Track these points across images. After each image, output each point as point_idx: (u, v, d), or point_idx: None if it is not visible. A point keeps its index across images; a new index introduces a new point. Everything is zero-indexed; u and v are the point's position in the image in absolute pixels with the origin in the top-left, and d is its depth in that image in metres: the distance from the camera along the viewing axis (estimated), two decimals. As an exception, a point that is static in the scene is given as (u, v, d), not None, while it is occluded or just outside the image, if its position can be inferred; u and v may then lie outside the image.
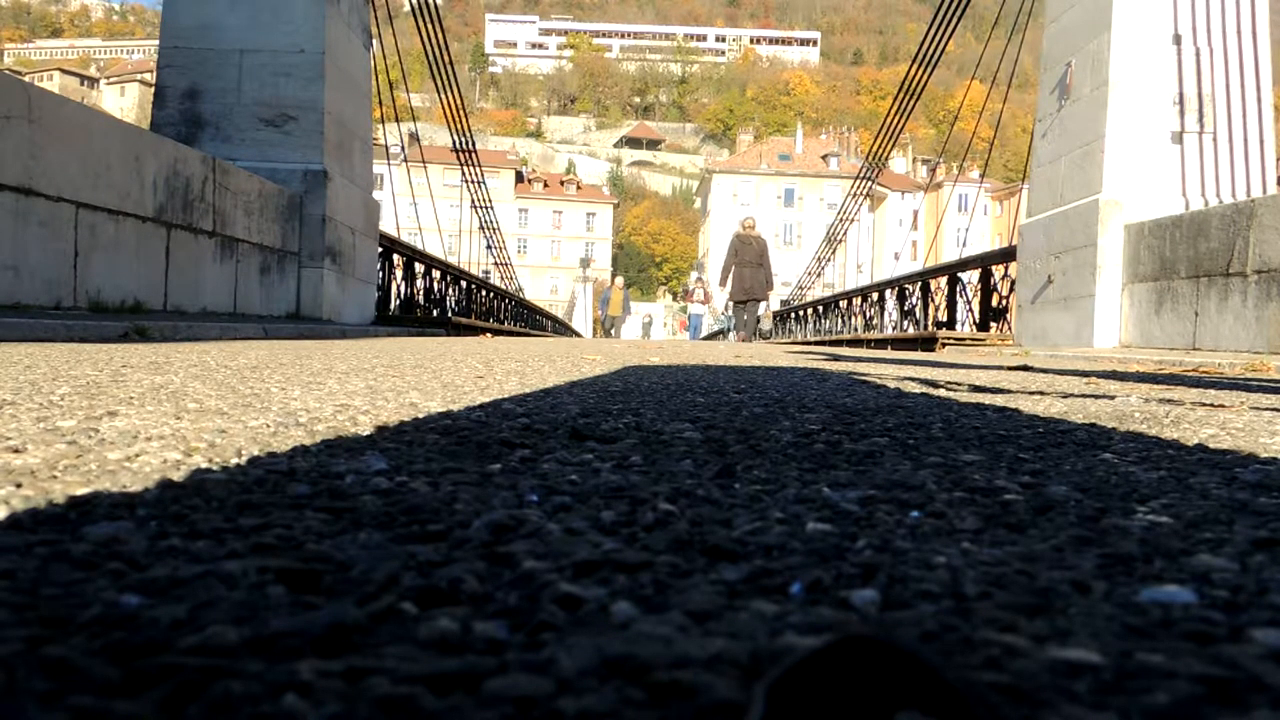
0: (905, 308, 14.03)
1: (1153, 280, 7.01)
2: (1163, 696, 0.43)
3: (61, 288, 4.78)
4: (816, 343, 15.51)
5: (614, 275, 25.92)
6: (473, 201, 18.99)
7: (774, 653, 0.47)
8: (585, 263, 44.35)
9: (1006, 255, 9.97)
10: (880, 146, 17.48)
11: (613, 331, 21.61)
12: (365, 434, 1.27)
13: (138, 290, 5.50)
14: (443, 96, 13.78)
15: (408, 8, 12.23)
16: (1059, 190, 8.26)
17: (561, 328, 30.71)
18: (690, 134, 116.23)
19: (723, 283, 14.45)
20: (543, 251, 75.14)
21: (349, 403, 1.68)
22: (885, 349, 10.60)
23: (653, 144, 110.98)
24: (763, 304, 14.82)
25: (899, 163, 70.75)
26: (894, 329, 14.34)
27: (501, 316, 20.26)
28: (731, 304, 14.69)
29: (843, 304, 19.00)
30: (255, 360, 2.88)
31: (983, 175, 23.27)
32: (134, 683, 0.42)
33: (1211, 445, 1.42)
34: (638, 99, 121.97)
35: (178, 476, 0.92)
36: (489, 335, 10.66)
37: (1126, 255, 7.38)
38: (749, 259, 13.87)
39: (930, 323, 12.62)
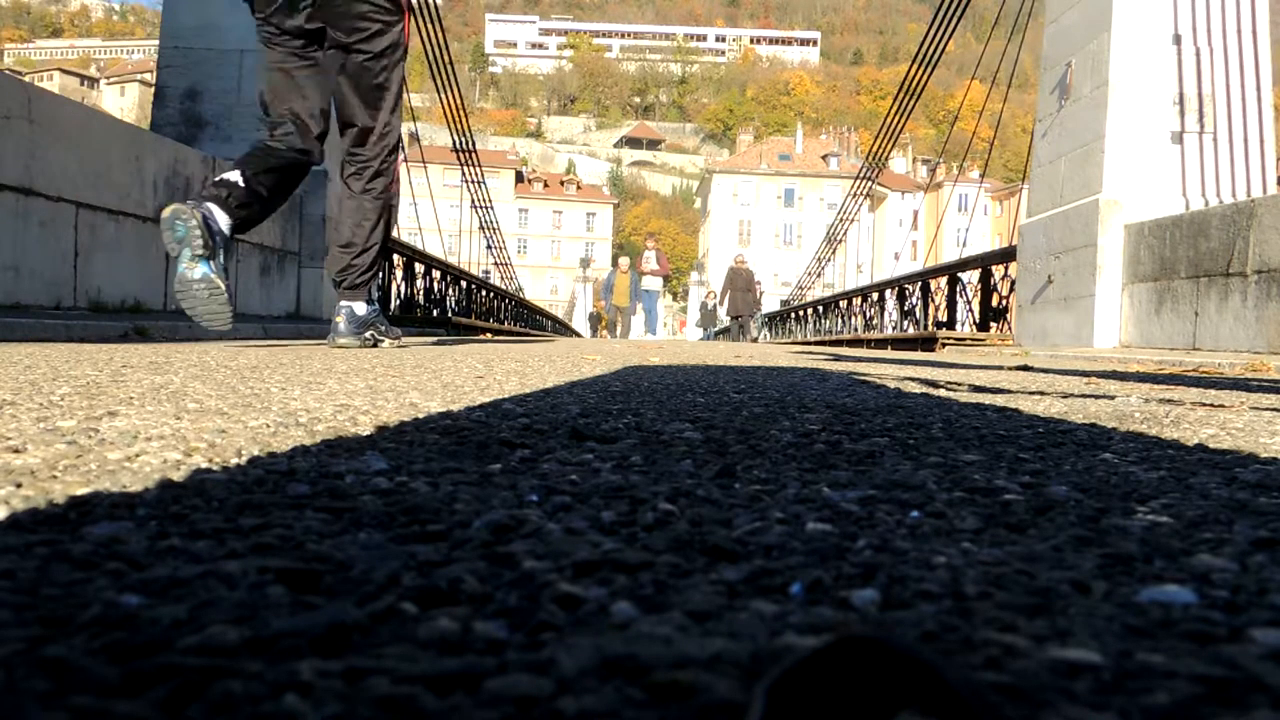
0: (905, 308, 14.04)
1: (1153, 280, 7.01)
2: (1163, 696, 0.43)
3: (61, 288, 4.78)
4: (816, 343, 15.53)
5: (617, 258, 21.53)
6: (473, 201, 18.99)
7: (774, 653, 0.47)
8: (585, 263, 44.32)
9: (1006, 255, 9.97)
10: (880, 146, 17.49)
11: (618, 329, 18.56)
12: (365, 434, 1.27)
13: (138, 290, 5.50)
14: (443, 96, 13.78)
15: (408, 8, 12.21)
16: (1059, 190, 8.26)
17: (561, 328, 30.70)
18: (690, 134, 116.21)
19: (721, 302, 20.18)
20: (543, 251, 75.14)
21: (349, 403, 1.68)
22: (885, 349, 10.61)
23: (653, 144, 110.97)
24: (751, 318, 20.76)
25: (899, 163, 70.72)
26: (894, 329, 14.36)
27: (501, 316, 20.24)
28: (729, 317, 20.50)
29: (843, 304, 19.01)
30: (255, 360, 2.88)
31: (983, 175, 23.29)
32: (134, 683, 0.42)
33: (1212, 445, 1.42)
34: (638, 99, 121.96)
35: (178, 476, 0.92)
36: (489, 335, 10.66)
37: (1126, 255, 7.38)
38: (740, 286, 19.59)
39: (930, 323, 12.62)
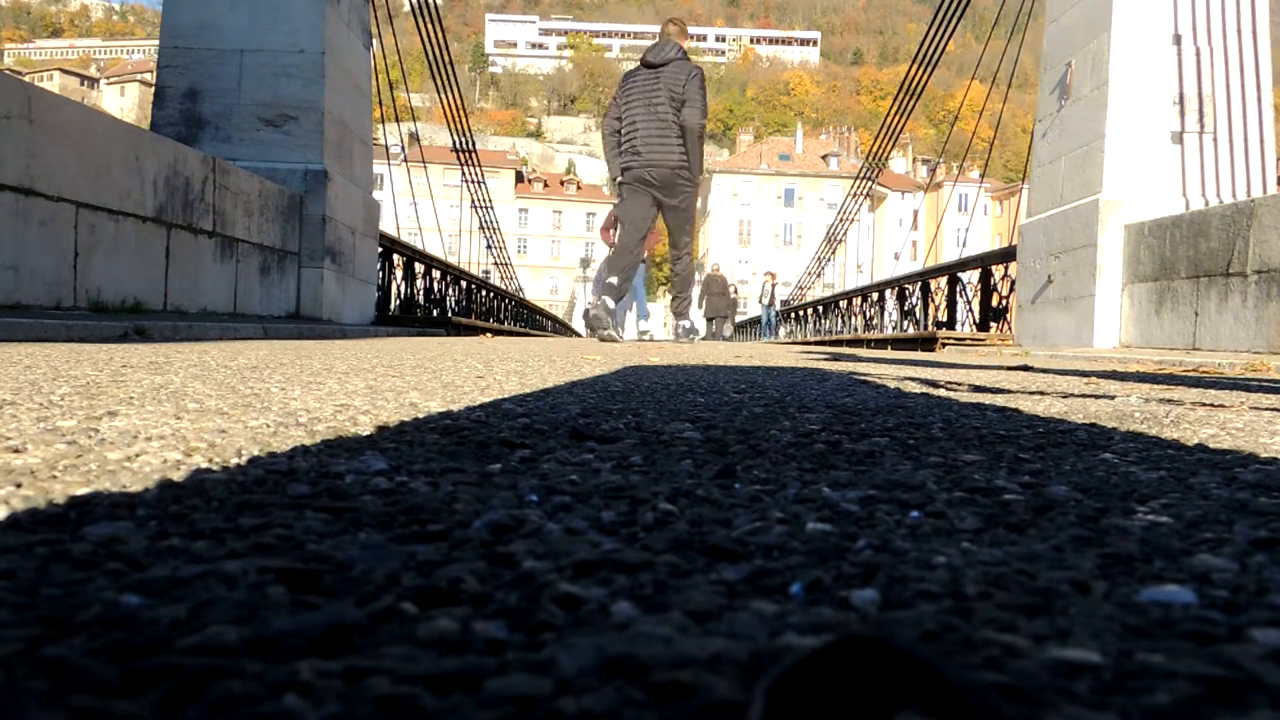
0: (905, 308, 14.04)
1: (1153, 280, 7.01)
2: (1163, 696, 0.43)
3: (61, 288, 4.78)
4: (816, 342, 15.52)
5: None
6: (473, 201, 18.99)
7: (774, 653, 0.47)
8: (585, 263, 44.27)
9: (1006, 255, 9.97)
10: (880, 146, 17.49)
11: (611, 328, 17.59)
12: (365, 434, 1.27)
13: (138, 290, 5.50)
14: (443, 96, 13.78)
15: (408, 8, 12.23)
16: (1059, 190, 8.26)
17: (561, 328, 30.69)
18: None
19: (699, 305, 23.07)
20: (543, 251, 75.09)
21: (349, 403, 1.68)
22: (885, 349, 10.60)
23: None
24: (726, 319, 24.03)
25: (899, 163, 70.72)
26: (894, 329, 14.36)
27: (501, 316, 20.23)
28: (705, 319, 23.59)
29: (843, 304, 19.02)
30: (255, 360, 2.88)
31: (983, 175, 23.28)
32: (134, 683, 0.42)
33: (1211, 445, 1.42)
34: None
35: (178, 476, 0.92)
36: (489, 335, 10.65)
37: (1126, 255, 7.38)
38: (715, 291, 23.20)
39: (930, 323, 12.62)
